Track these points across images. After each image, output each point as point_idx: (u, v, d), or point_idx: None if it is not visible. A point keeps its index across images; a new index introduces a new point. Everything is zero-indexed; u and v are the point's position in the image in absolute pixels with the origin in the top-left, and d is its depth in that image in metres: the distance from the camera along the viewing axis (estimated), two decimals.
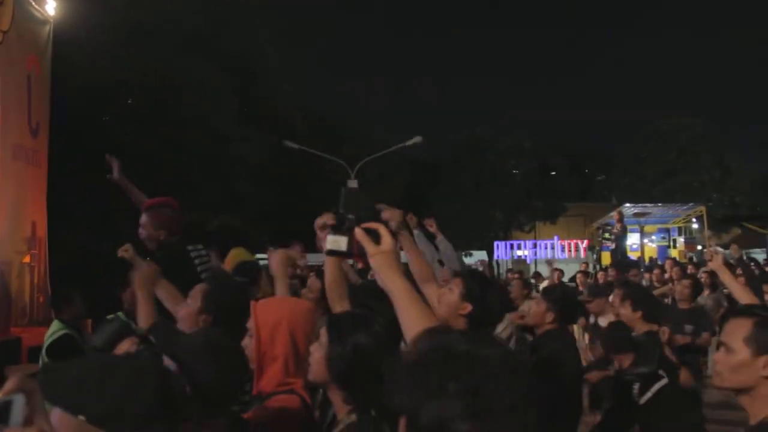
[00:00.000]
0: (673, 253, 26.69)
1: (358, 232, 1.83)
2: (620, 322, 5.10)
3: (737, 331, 2.20)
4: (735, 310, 2.43)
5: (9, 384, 0.84)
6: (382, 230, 1.83)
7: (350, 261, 5.29)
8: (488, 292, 3.18)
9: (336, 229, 1.95)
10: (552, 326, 4.13)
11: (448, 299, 3.11)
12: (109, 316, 5.31)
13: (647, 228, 27.11)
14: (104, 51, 17.29)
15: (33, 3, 11.73)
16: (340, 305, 3.01)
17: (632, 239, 24.98)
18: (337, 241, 1.93)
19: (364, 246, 1.83)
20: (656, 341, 4.85)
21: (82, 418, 0.97)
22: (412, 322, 1.74)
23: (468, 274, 3.45)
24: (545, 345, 4.07)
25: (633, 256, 22.98)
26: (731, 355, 2.18)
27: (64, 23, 13.01)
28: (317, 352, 2.17)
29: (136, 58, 18.26)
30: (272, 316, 2.46)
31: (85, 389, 1.09)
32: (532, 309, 4.07)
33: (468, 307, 3.05)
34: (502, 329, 4.01)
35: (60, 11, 12.64)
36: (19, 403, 0.82)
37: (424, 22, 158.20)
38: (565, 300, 4.32)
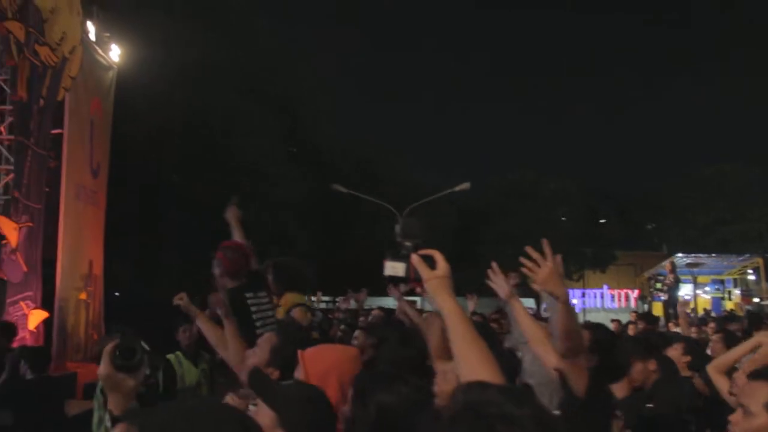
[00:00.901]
0: (729, 305, 25.90)
1: (415, 258, 1.90)
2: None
3: (757, 395, 2.16)
4: (756, 371, 2.37)
5: (117, 430, 0.88)
6: (437, 256, 1.90)
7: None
8: (616, 344, 3.06)
9: (394, 256, 2.02)
10: (657, 374, 4.00)
11: None
12: (169, 356, 5.40)
13: (700, 278, 26.44)
14: (161, 96, 17.88)
15: (99, 50, 12.27)
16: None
17: (685, 290, 24.35)
18: (395, 267, 2.02)
19: (420, 271, 1.89)
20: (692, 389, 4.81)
21: None
22: (461, 344, 1.78)
23: (593, 326, 3.31)
24: (667, 391, 3.90)
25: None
26: (750, 418, 2.14)
27: (126, 69, 13.54)
28: (344, 408, 2.16)
29: (190, 103, 18.84)
30: (320, 365, 2.44)
31: None
32: (633, 370, 3.76)
33: (594, 360, 2.89)
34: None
35: (123, 58, 13.18)
36: None
37: (469, 58, 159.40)
38: (650, 342, 4.20)
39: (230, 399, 2.66)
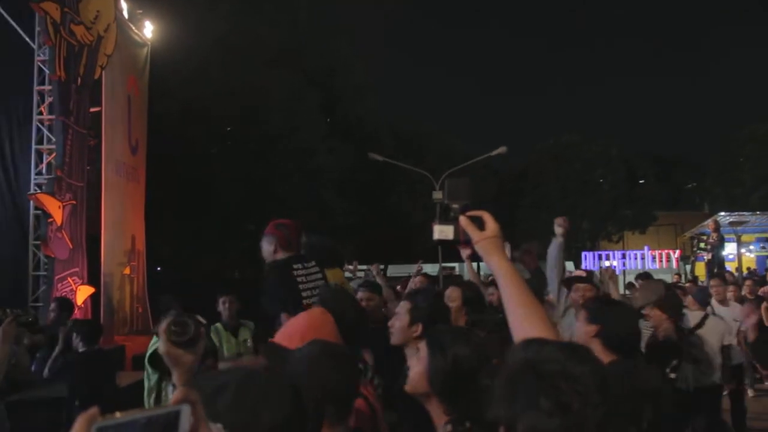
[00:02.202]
0: None
1: (463, 219, 1.87)
2: None
3: None
4: None
5: (177, 394, 0.91)
6: (486, 216, 1.86)
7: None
8: (615, 313, 3.03)
9: (442, 219, 2.00)
10: None
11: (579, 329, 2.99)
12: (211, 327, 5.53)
13: (744, 237, 25.88)
14: (197, 70, 17.97)
15: (133, 27, 12.37)
16: None
17: (728, 249, 23.88)
18: (443, 231, 1.98)
19: (469, 233, 1.86)
20: None
21: (219, 425, 1.03)
22: (514, 304, 1.75)
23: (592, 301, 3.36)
24: None
25: (729, 266, 22.00)
26: None
27: (160, 45, 13.64)
28: (417, 366, 2.18)
29: (227, 77, 18.88)
30: (294, 337, 2.42)
31: (223, 399, 1.16)
32: None
33: (593, 329, 2.92)
34: None
35: (156, 34, 13.28)
36: (186, 412, 0.89)
37: (509, 25, 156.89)
38: None
39: None
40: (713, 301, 7.76)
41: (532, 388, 1.13)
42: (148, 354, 5.25)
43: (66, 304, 7.57)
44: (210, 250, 18.98)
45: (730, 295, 8.67)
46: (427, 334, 2.30)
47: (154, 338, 5.43)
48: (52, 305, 7.65)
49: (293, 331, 2.54)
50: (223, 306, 6.08)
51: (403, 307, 3.37)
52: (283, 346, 2.20)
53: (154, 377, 5.09)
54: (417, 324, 3.15)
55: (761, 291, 10.67)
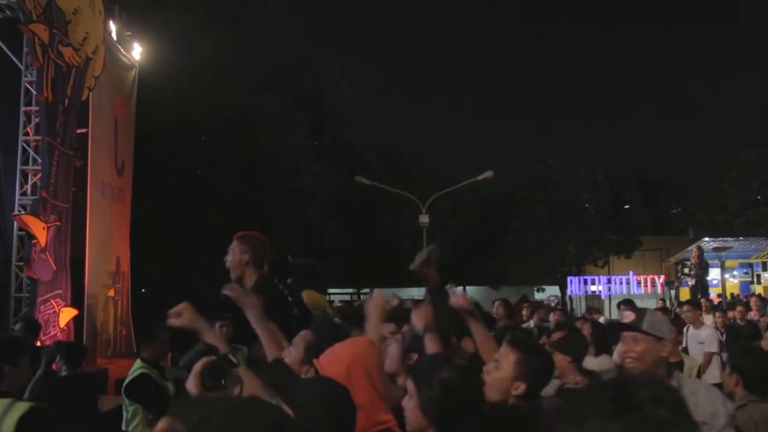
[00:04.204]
0: (757, 289, 25.57)
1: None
2: None
3: None
4: None
5: (161, 424, 0.90)
6: None
7: None
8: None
9: None
10: None
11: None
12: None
13: (728, 263, 26.06)
14: (185, 91, 17.97)
15: (121, 49, 12.39)
16: None
17: (712, 274, 24.05)
18: None
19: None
20: None
21: None
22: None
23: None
24: None
25: (713, 291, 22.14)
26: None
27: (148, 67, 13.66)
28: (409, 403, 2.16)
29: (215, 98, 18.90)
30: (341, 365, 2.38)
31: (207, 430, 1.15)
32: None
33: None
34: None
35: (145, 56, 13.31)
36: None
37: (499, 53, 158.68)
38: None
39: None
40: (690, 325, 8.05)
41: (594, 398, 1.17)
42: (125, 384, 5.16)
43: (32, 324, 7.42)
44: (197, 271, 18.81)
45: (719, 321, 8.86)
46: (408, 368, 2.26)
47: (136, 364, 5.35)
48: (18, 325, 7.51)
49: (339, 359, 2.47)
50: (220, 330, 6.02)
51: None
52: (293, 372, 2.17)
53: (132, 408, 5.01)
54: (412, 353, 3.07)
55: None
